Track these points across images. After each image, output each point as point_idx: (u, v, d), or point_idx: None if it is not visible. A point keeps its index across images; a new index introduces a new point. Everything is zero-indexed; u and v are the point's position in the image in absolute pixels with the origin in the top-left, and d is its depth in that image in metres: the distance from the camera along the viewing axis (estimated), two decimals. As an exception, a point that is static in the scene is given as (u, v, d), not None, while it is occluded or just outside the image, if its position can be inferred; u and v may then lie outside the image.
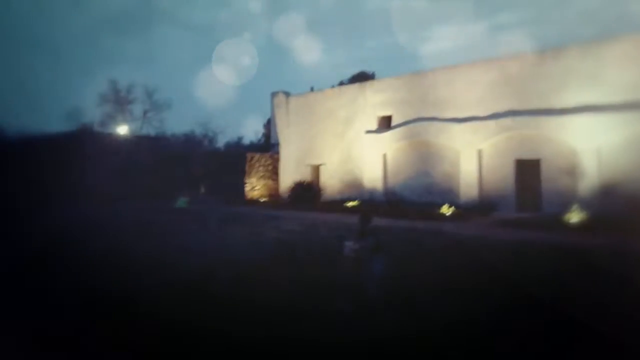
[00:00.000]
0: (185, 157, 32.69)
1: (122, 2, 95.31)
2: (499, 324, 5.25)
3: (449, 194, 19.63)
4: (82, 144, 28.82)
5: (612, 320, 5.19)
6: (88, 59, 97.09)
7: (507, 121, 18.14)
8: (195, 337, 4.99)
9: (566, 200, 15.89)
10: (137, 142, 32.43)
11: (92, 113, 42.84)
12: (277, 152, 28.26)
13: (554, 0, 78.04)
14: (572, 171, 16.46)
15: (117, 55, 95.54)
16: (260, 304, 6.00)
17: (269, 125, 33.27)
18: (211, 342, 4.86)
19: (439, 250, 10.29)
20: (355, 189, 23.40)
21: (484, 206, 18.18)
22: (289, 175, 26.72)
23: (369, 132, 22.90)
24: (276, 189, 27.71)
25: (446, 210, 17.06)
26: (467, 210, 17.52)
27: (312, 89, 34.96)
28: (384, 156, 22.27)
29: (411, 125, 21.23)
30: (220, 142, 43.59)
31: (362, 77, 36.87)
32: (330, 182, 24.89)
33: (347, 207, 20.08)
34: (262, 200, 25.99)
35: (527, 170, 17.85)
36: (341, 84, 36.81)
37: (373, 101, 23.23)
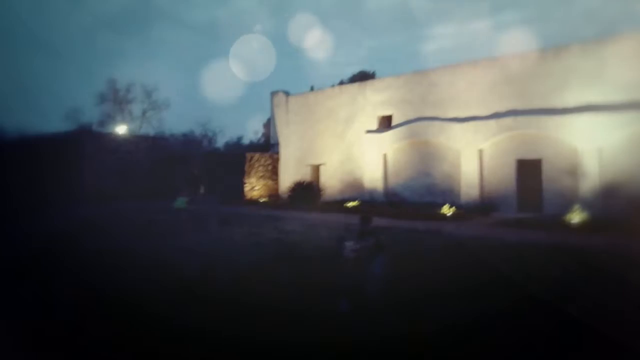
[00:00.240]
0: (185, 157, 32.59)
1: (121, 2, 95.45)
2: (499, 324, 5.27)
3: (449, 194, 19.56)
4: (81, 144, 28.78)
5: (613, 321, 5.21)
6: (87, 58, 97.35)
7: (508, 121, 18.06)
8: (194, 337, 4.99)
9: (567, 201, 15.83)
10: (136, 141, 32.36)
11: (91, 113, 43.00)
12: (277, 152, 28.19)
13: (555, -1, 78.06)
14: (574, 171, 16.37)
15: (116, 54, 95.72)
16: (260, 304, 6.00)
17: (269, 124, 33.23)
18: (211, 342, 4.87)
19: (440, 250, 10.28)
20: (355, 189, 23.32)
21: (484, 206, 18.11)
22: (289, 175, 26.65)
23: (369, 131, 22.81)
24: (276, 189, 27.64)
25: (447, 210, 16.99)
26: (468, 211, 17.46)
27: (312, 89, 34.94)
28: (385, 156, 22.19)
29: (412, 125, 21.14)
30: (220, 142, 43.61)
31: (362, 77, 36.87)
32: (330, 182, 24.81)
33: (347, 208, 20.00)
34: (262, 200, 25.89)
35: (528, 170, 17.77)
36: (341, 83, 36.75)
37: (373, 101, 23.16)
